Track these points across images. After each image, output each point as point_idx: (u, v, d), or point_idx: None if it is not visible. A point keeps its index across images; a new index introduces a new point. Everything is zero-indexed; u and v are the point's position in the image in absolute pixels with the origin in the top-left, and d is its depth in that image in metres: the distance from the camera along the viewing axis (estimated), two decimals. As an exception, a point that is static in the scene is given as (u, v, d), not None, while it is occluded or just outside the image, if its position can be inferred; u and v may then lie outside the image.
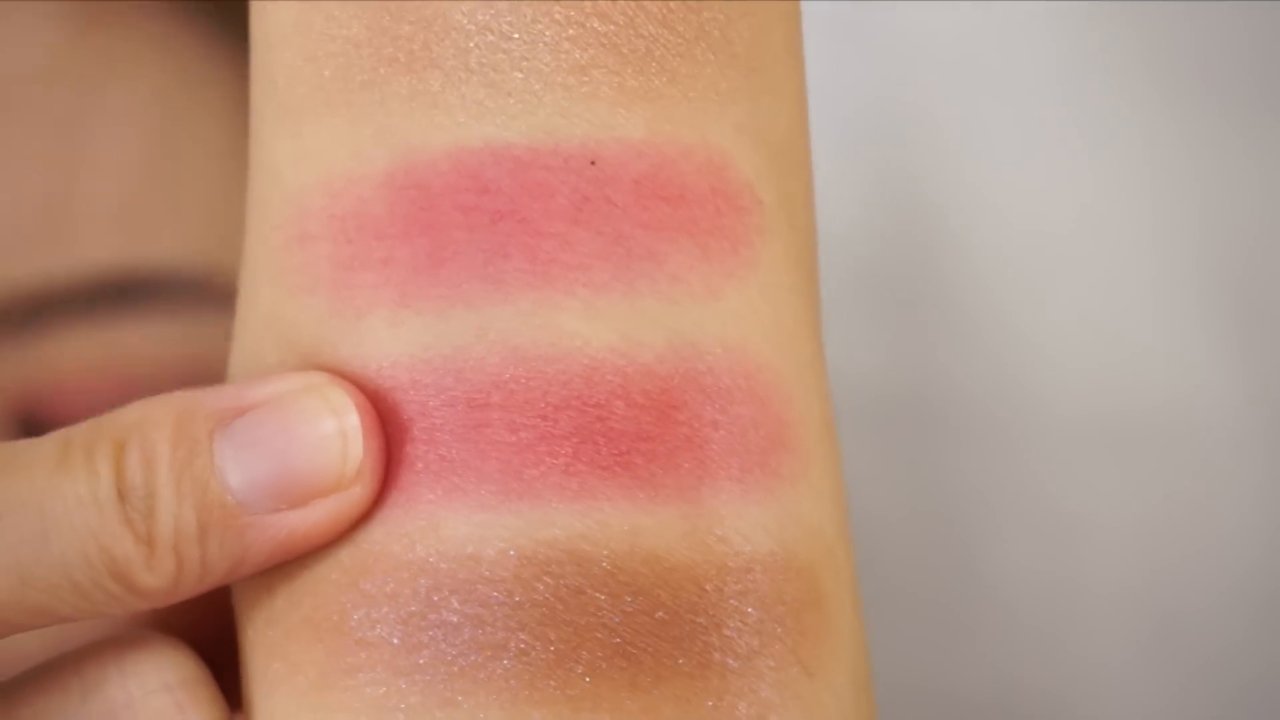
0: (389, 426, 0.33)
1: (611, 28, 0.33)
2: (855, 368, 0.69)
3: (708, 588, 0.32)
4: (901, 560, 0.69)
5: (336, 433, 0.33)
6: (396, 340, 0.33)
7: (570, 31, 0.33)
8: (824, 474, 0.34)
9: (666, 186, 0.33)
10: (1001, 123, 0.69)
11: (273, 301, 0.34)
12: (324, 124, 0.34)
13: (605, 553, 0.32)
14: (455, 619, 0.32)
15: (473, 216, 0.33)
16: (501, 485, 0.32)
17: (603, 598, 0.32)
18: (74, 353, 0.50)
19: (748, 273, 0.34)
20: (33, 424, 0.50)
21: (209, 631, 0.36)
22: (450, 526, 0.32)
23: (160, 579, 0.32)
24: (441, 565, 0.32)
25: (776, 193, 0.34)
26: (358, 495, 0.33)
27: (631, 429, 0.32)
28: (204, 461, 0.32)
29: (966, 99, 0.69)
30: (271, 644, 0.33)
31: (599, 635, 0.32)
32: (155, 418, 0.33)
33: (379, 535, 0.33)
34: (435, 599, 0.32)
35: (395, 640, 0.32)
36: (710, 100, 0.33)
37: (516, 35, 0.33)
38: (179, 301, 0.49)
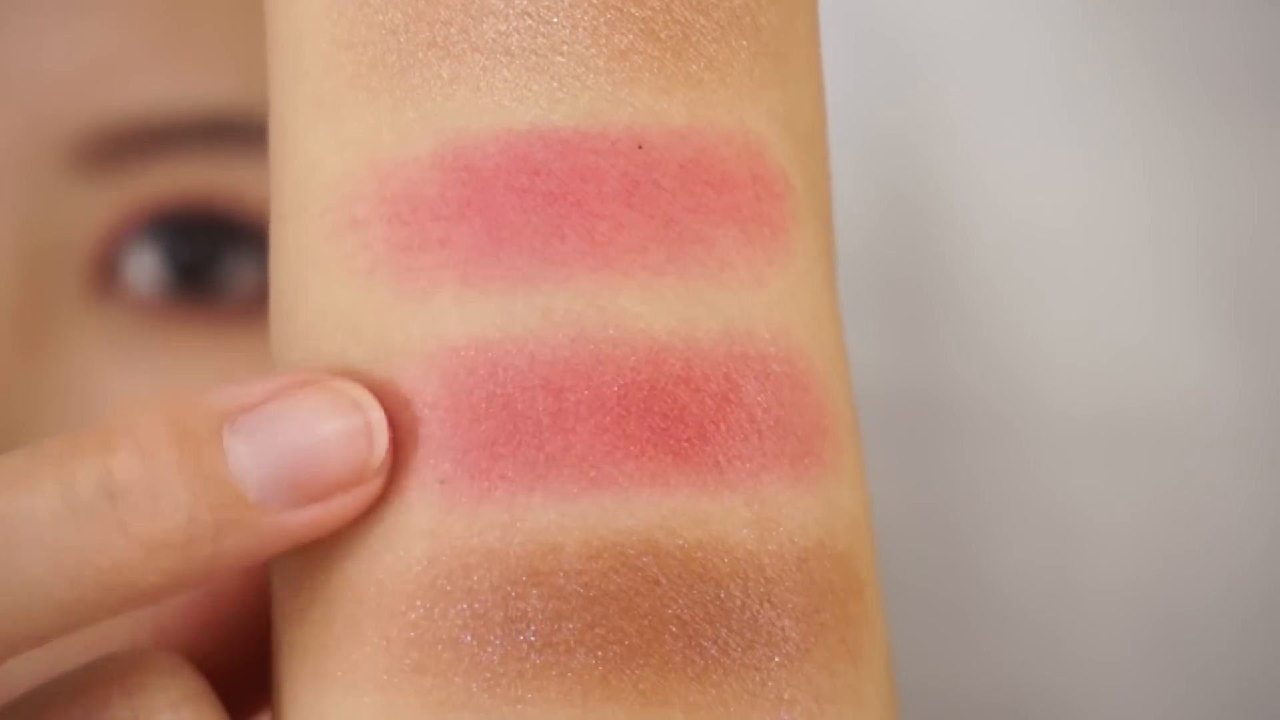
0: (464, 408, 0.32)
1: (648, 12, 0.33)
2: (853, 366, 0.69)
3: (771, 577, 0.32)
4: (902, 558, 0.69)
5: (360, 427, 0.32)
6: (466, 321, 0.32)
7: (608, 16, 0.33)
8: (855, 461, 0.34)
9: (710, 171, 0.33)
10: (1001, 122, 0.69)
11: (326, 289, 0.33)
12: (366, 109, 0.33)
13: (679, 543, 0.31)
14: (532, 613, 0.31)
15: (527, 198, 0.32)
16: (580, 473, 0.31)
17: (678, 589, 0.31)
18: (199, 171, 0.52)
19: (787, 259, 0.33)
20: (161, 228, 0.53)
21: (203, 640, 0.35)
22: (530, 517, 0.31)
23: (161, 577, 0.31)
24: (520, 557, 0.31)
25: (806, 180, 0.34)
26: (375, 489, 0.32)
27: (697, 414, 0.32)
28: (214, 458, 0.31)
29: (966, 97, 0.69)
30: (325, 642, 0.33)
31: (673, 628, 0.31)
32: (147, 420, 0.32)
33: (454, 525, 0.32)
34: (512, 593, 0.31)
35: (468, 637, 0.31)
36: (745, 86, 0.33)
37: (555, 19, 0.33)
38: None
